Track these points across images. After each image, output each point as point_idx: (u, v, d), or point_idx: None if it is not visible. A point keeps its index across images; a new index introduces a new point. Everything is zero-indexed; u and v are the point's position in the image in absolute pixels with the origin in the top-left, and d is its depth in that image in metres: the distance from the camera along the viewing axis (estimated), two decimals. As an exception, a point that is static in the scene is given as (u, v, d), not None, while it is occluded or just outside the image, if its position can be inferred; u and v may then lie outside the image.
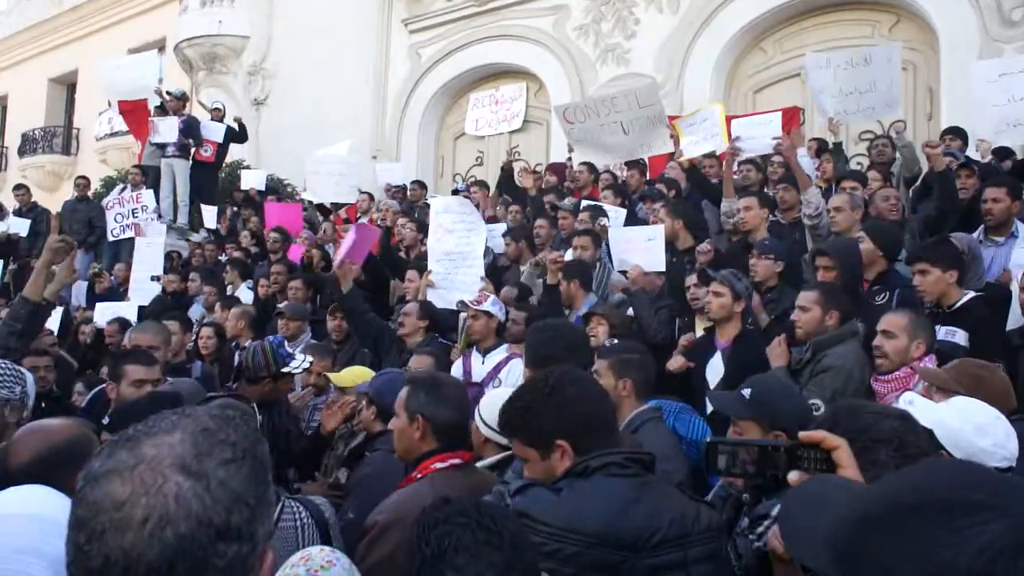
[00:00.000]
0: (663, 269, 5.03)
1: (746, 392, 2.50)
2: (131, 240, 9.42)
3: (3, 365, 2.77)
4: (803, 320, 3.62)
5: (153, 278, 8.04)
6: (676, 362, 4.15)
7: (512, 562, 1.37)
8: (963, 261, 3.88)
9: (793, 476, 1.08)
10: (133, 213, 9.85)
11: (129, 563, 0.82)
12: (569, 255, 5.49)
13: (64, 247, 3.48)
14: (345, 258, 5.36)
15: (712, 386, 3.76)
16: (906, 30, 9.70)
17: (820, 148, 7.23)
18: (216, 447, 0.90)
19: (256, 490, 0.91)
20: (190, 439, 0.89)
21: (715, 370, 3.86)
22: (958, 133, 6.83)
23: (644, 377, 3.12)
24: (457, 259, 5.74)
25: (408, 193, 10.09)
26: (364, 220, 8.47)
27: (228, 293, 7.35)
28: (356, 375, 3.99)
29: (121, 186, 11.24)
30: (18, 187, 11.59)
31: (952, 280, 3.66)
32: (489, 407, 2.74)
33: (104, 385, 4.06)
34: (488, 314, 4.56)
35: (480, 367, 4.53)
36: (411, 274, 6.04)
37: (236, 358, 5.77)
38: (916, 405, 2.03)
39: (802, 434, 1.12)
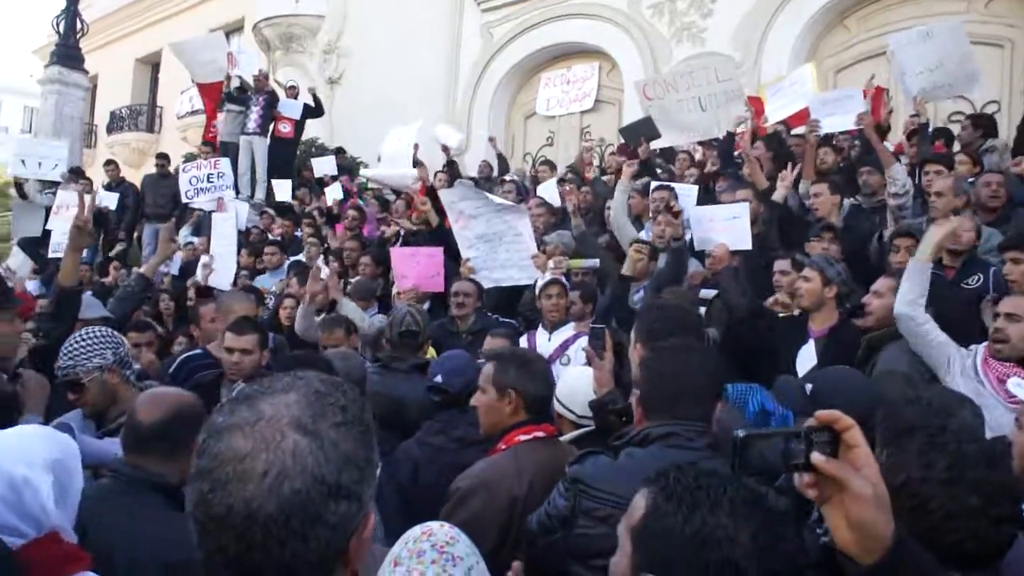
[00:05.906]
0: (750, 247, 4.89)
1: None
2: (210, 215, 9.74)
3: (94, 333, 2.82)
4: (875, 306, 3.41)
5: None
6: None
7: (765, 530, 1.29)
8: None
9: (816, 457, 1.05)
10: (208, 178, 9.75)
11: (250, 513, 0.87)
12: (643, 235, 5.51)
13: (84, 227, 3.47)
14: (414, 284, 5.47)
15: (801, 375, 3.50)
16: (1004, 5, 9.19)
17: (911, 131, 6.93)
18: (328, 409, 0.95)
19: (364, 453, 0.96)
20: (304, 400, 0.95)
21: (806, 359, 3.60)
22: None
23: None
24: (493, 240, 5.67)
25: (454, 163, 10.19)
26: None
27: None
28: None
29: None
30: (108, 163, 12.09)
31: None
32: (564, 388, 2.78)
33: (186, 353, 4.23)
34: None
35: (546, 344, 4.57)
36: None
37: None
38: (1024, 388, 1.95)
39: (818, 413, 1.09)
